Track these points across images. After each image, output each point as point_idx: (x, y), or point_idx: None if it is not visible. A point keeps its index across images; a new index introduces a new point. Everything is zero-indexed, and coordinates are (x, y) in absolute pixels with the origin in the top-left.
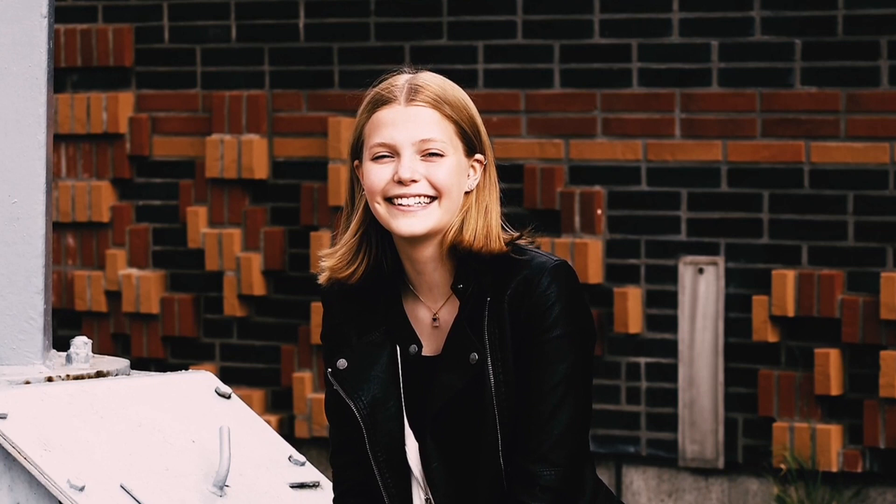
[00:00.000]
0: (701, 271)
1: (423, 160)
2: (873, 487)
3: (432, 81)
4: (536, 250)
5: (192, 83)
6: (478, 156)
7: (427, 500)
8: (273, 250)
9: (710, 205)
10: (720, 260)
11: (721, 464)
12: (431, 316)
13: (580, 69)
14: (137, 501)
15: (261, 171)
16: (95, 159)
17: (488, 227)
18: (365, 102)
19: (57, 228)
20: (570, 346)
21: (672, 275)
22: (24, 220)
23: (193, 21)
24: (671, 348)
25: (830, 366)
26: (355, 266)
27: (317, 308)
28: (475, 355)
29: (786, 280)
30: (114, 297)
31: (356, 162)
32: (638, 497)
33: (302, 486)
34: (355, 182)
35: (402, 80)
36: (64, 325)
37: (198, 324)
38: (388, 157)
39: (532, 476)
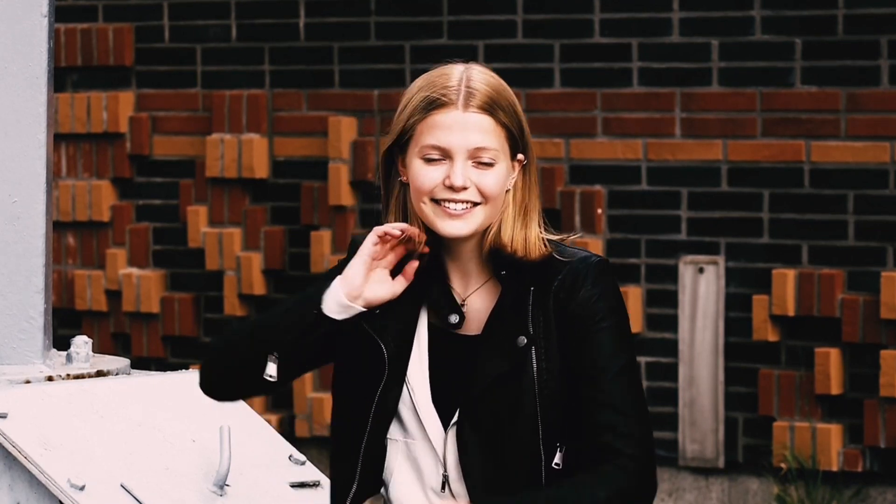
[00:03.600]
0: (701, 271)
1: (474, 167)
2: (873, 487)
3: (486, 83)
4: (576, 248)
5: (192, 83)
6: (519, 156)
7: (444, 475)
8: (273, 250)
9: (710, 204)
10: (720, 259)
11: (721, 463)
12: (460, 301)
13: (580, 69)
14: (137, 501)
15: (261, 170)
16: (95, 159)
17: (526, 234)
18: (418, 100)
19: (57, 228)
20: (623, 336)
21: (672, 274)
22: (24, 220)
23: (193, 21)
24: (671, 347)
25: (831, 365)
26: None
27: None
28: (523, 339)
29: (786, 279)
30: (114, 296)
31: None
32: None
33: (302, 485)
34: (391, 171)
35: (455, 80)
36: (64, 324)
37: (198, 323)
38: (439, 159)
39: (617, 450)
